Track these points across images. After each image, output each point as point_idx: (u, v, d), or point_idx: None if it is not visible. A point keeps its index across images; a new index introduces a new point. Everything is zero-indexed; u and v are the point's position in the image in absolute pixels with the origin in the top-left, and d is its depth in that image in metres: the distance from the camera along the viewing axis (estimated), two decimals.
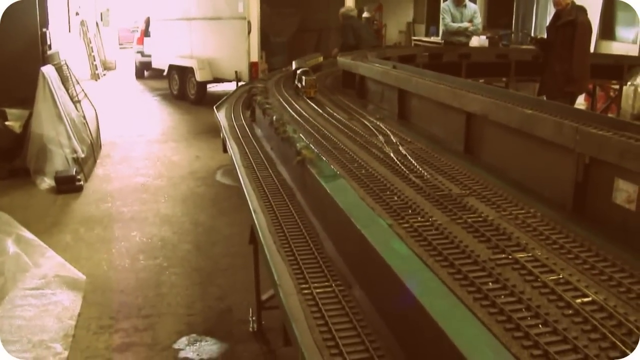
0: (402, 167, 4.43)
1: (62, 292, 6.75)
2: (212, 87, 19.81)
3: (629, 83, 11.92)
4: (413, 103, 6.32)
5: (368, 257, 3.09)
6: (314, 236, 3.94)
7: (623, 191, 3.37)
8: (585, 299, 2.59)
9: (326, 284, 3.31)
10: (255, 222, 4.19)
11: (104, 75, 26.78)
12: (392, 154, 4.79)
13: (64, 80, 12.41)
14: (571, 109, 4.32)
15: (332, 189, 3.87)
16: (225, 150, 6.88)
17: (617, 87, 12.86)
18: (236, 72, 15.46)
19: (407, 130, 5.85)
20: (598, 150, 3.47)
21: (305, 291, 3.23)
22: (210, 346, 5.94)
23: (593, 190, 3.62)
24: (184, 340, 6.03)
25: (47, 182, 10.83)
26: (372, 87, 7.70)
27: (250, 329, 6.13)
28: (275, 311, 5.52)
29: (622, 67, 12.03)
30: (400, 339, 2.75)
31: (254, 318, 6.14)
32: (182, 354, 5.81)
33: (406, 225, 3.36)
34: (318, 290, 3.22)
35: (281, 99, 7.64)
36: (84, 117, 12.62)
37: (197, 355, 5.80)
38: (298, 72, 8.46)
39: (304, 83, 7.94)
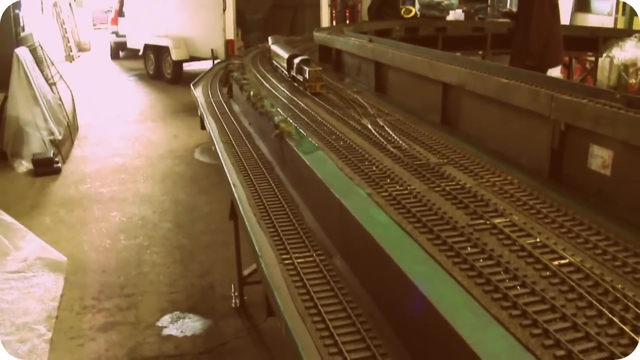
0: (380, 138, 4.46)
1: (44, 274, 6.74)
2: (189, 66, 19.69)
3: (604, 55, 11.97)
4: (390, 75, 6.33)
5: (348, 226, 3.12)
6: (293, 208, 3.97)
7: (598, 157, 3.41)
8: (563, 261, 2.63)
9: (307, 254, 3.34)
10: (235, 195, 4.21)
11: (79, 56, 26.50)
12: (369, 126, 4.81)
13: (39, 62, 12.28)
14: (546, 77, 4.35)
15: (311, 160, 3.89)
16: (203, 127, 6.87)
17: (592, 59, 12.91)
18: (212, 50, 15.41)
19: (385, 103, 5.87)
20: (573, 117, 3.50)
21: (287, 261, 3.26)
22: (193, 323, 5.96)
23: (569, 157, 3.66)
24: (167, 317, 6.05)
25: (24, 165, 10.76)
26: (348, 61, 7.70)
27: (233, 305, 6.17)
28: (257, 286, 5.58)
29: (597, 39, 12.08)
30: (381, 305, 2.79)
31: (236, 294, 6.18)
32: (165, 332, 5.83)
33: (385, 194, 3.39)
34: (299, 260, 3.25)
35: (258, 75, 7.61)
36: (60, 99, 12.52)
37: (181, 332, 5.83)
38: (296, 61, 6.66)
39: (307, 75, 6.24)
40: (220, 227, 7.67)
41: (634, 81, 11.03)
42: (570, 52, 12.68)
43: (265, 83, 6.96)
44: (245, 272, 5.94)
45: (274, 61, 8.07)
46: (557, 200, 3.31)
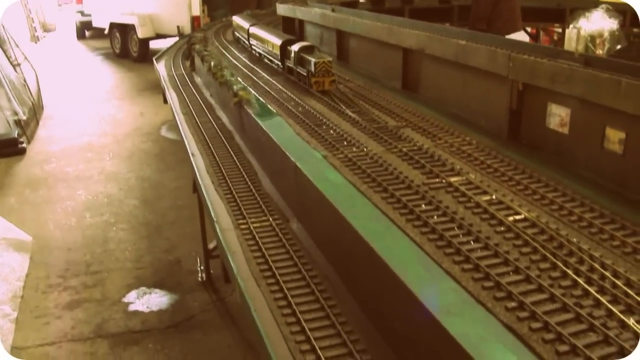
0: (340, 104, 4.41)
1: (9, 254, 6.65)
2: (155, 44, 19.47)
3: (571, 26, 11.97)
4: (351, 43, 6.28)
5: (303, 188, 3.09)
6: (252, 174, 3.93)
7: (556, 115, 3.40)
8: (518, 217, 2.62)
9: (264, 218, 3.30)
10: (194, 164, 4.15)
11: (44, 37, 26.08)
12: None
13: (1, 42, 12.07)
14: (503, 39, 4.32)
15: (268, 126, 3.84)
16: (165, 100, 6.78)
17: (560, 30, 12.93)
18: (178, 27, 15.24)
19: (346, 70, 5.83)
20: (531, 76, 3.48)
21: (243, 226, 3.22)
22: (159, 298, 5.92)
23: (527, 117, 3.65)
24: (133, 293, 6.00)
25: None
26: (311, 31, 7.62)
27: (199, 279, 6.12)
28: None
29: (564, 11, 12.10)
30: (336, 265, 2.76)
31: (202, 268, 6.13)
32: (132, 307, 5.78)
33: (341, 156, 3.35)
34: (255, 225, 3.21)
35: (220, 47, 7.51)
36: (24, 80, 12.32)
37: (147, 307, 5.78)
38: (294, 48, 5.19)
39: (312, 68, 4.84)
40: (186, 203, 7.61)
41: (600, 52, 11.04)
42: (538, 24, 12.69)
43: (226, 54, 6.85)
44: (211, 246, 5.89)
45: (254, 48, 6.76)
46: (515, 159, 3.30)
